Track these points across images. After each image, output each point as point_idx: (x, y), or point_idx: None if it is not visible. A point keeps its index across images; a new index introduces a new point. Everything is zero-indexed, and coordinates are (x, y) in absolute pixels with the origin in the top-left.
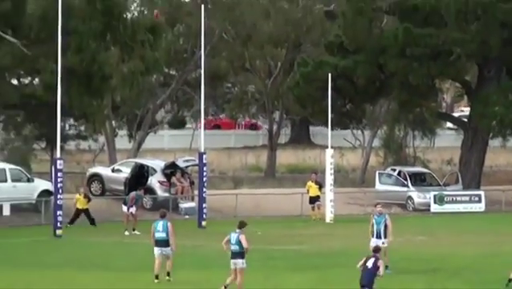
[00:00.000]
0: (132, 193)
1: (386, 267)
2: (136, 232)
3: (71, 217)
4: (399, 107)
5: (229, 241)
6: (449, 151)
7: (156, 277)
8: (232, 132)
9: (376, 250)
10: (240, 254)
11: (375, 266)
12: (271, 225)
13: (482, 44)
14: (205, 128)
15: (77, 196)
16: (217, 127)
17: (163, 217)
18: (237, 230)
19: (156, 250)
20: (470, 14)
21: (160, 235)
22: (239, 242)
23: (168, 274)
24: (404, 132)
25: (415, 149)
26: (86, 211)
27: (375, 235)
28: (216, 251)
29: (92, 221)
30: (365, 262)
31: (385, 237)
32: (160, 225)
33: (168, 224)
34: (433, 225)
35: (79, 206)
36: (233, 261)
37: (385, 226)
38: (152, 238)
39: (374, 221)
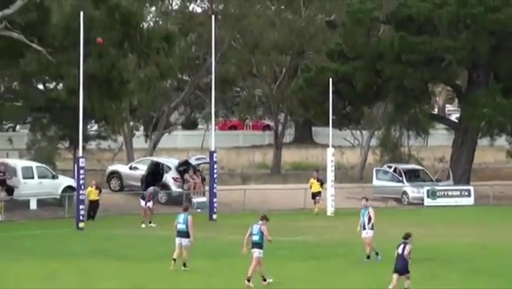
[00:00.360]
0: (150, 189)
1: (377, 254)
2: (152, 224)
3: (89, 211)
4: (395, 109)
5: (251, 234)
6: (441, 149)
7: (174, 260)
8: (240, 133)
9: (406, 236)
10: (259, 244)
11: (405, 252)
12: (277, 218)
13: (472, 51)
14: (222, 129)
15: (89, 188)
16: (234, 128)
17: (185, 210)
18: (260, 222)
19: (177, 240)
20: (461, 24)
21: (181, 227)
22: (261, 233)
23: (185, 264)
24: (400, 132)
25: (409, 148)
26: (96, 202)
27: (361, 227)
28: (226, 242)
29: (93, 216)
30: (397, 248)
31: (369, 228)
32: (181, 217)
33: (189, 217)
34: (426, 217)
35: (92, 198)
36: (252, 250)
37: (369, 218)
38: (175, 229)
39: (360, 213)
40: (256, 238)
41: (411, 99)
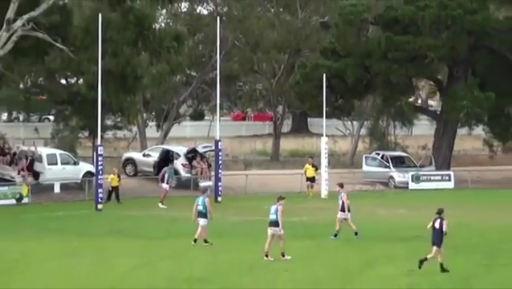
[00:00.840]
0: (164, 169)
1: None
2: (161, 205)
3: (108, 195)
4: (382, 102)
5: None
6: (424, 138)
7: (195, 240)
8: (243, 123)
9: (440, 211)
10: (277, 222)
11: (442, 226)
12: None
13: (452, 49)
14: (236, 119)
15: (111, 176)
16: (245, 119)
17: (203, 193)
18: (277, 202)
19: (197, 221)
20: (442, 25)
21: (200, 208)
22: (277, 212)
23: (206, 241)
24: (387, 123)
25: (395, 137)
26: (116, 188)
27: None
28: (230, 222)
29: (110, 198)
30: (433, 223)
31: (343, 210)
32: (200, 200)
33: (206, 199)
34: (411, 199)
35: (113, 184)
36: (271, 228)
37: (342, 202)
38: (194, 210)
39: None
40: (274, 217)
41: (397, 92)
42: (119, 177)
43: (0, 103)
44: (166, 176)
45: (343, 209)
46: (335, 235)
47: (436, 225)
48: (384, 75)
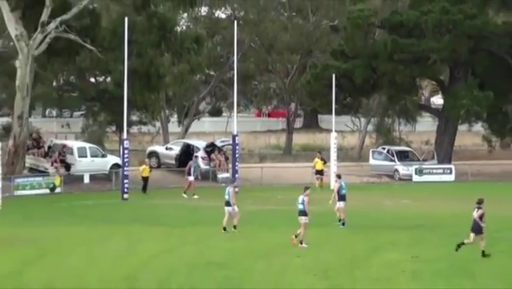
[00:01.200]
0: (190, 162)
1: (343, 224)
2: (184, 195)
3: (143, 186)
4: (388, 100)
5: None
6: (427, 134)
7: (224, 229)
8: (258, 119)
9: (479, 201)
10: (304, 212)
11: (478, 216)
12: (288, 191)
13: (453, 51)
14: (258, 116)
15: (143, 166)
16: (267, 115)
17: (232, 183)
18: (303, 193)
19: (225, 209)
20: (443, 28)
21: (226, 197)
22: (303, 202)
23: (235, 227)
24: (392, 120)
25: (400, 133)
26: (147, 179)
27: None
28: (246, 211)
29: (144, 189)
30: (474, 212)
31: (338, 200)
32: (226, 190)
33: (230, 189)
34: (415, 191)
35: (144, 175)
36: (299, 217)
37: (338, 191)
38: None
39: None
40: (301, 207)
41: (401, 91)
42: (150, 168)
43: (35, 99)
44: (192, 168)
45: (340, 199)
46: (343, 224)
47: (474, 214)
48: (389, 75)
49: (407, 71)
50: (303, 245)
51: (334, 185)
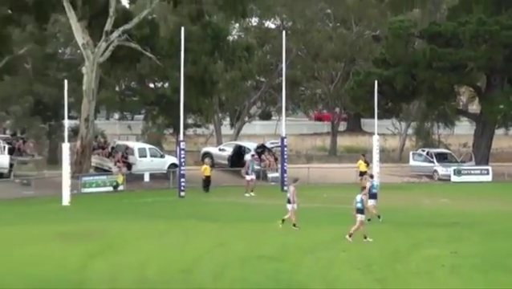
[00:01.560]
0: (247, 161)
1: (379, 217)
2: (248, 194)
3: (204, 184)
4: (427, 105)
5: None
6: (465, 137)
7: (282, 220)
8: (304, 123)
9: None
10: (361, 210)
11: None
12: (333, 190)
13: (489, 60)
14: (311, 119)
15: (204, 166)
16: (320, 119)
17: (294, 182)
18: (361, 193)
19: (287, 206)
20: (480, 38)
21: (288, 195)
22: (362, 201)
23: (294, 225)
24: (431, 124)
25: (439, 136)
26: (209, 177)
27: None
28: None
29: (207, 188)
30: None
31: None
32: (288, 188)
33: (291, 188)
34: (453, 191)
35: (206, 174)
36: (356, 215)
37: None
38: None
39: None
40: (359, 205)
41: (440, 97)
42: (211, 167)
43: (100, 103)
44: (250, 168)
45: (371, 197)
46: (379, 217)
47: None
48: (428, 82)
49: (445, 78)
50: (368, 239)
51: (363, 183)
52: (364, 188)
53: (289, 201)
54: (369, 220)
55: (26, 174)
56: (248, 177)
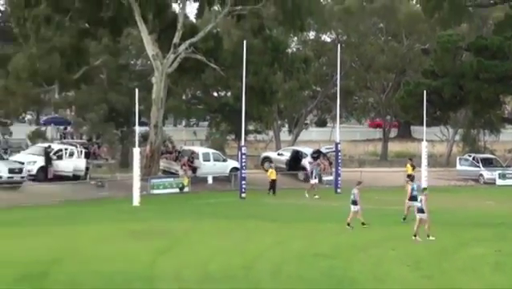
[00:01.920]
0: (311, 167)
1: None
2: (307, 195)
3: (270, 187)
4: (473, 114)
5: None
6: (510, 143)
7: (348, 224)
8: (357, 130)
9: None
10: (422, 210)
11: None
12: (384, 192)
13: None
14: (370, 126)
15: (270, 170)
16: (378, 126)
17: (357, 185)
18: (422, 193)
19: (351, 207)
20: None
21: (351, 197)
22: (421, 201)
23: (363, 223)
24: (477, 131)
25: (485, 142)
26: (275, 181)
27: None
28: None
29: (273, 191)
30: None
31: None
32: (352, 191)
33: (355, 190)
34: (498, 194)
35: (272, 177)
36: (418, 214)
37: (411, 192)
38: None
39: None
40: (420, 204)
41: (486, 106)
42: (276, 171)
43: (167, 111)
44: (314, 172)
45: (411, 199)
46: (404, 219)
47: None
48: (475, 92)
49: (491, 88)
50: (431, 237)
51: (406, 186)
52: (425, 188)
53: (354, 203)
54: (404, 219)
55: (101, 177)
56: (312, 181)
